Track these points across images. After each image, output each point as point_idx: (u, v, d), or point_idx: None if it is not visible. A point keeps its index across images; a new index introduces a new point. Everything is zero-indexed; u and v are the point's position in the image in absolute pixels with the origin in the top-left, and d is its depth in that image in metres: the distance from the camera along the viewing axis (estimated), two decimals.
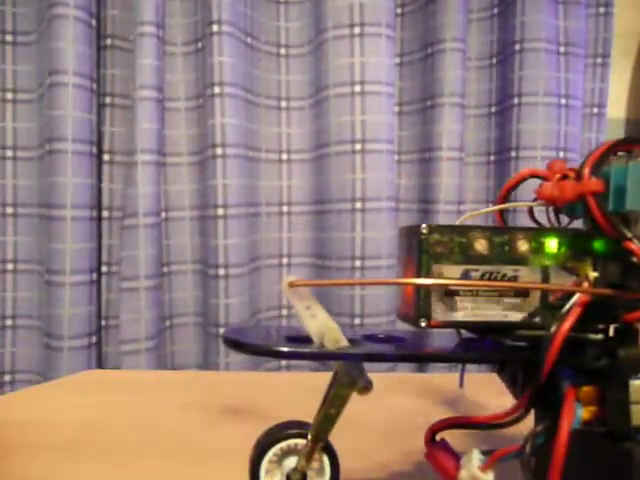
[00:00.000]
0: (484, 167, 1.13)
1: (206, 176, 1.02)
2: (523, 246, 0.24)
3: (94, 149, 1.00)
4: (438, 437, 0.28)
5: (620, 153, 0.26)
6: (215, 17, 0.99)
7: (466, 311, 0.24)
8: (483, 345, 0.25)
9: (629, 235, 0.23)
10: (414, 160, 1.12)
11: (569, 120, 1.09)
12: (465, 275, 0.24)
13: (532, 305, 0.25)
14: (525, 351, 0.24)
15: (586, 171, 0.24)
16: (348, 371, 0.25)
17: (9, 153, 1.02)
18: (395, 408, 0.44)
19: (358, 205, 1.03)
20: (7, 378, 1.04)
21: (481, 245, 0.24)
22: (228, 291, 1.01)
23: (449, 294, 0.24)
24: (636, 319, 0.23)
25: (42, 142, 0.98)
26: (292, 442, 0.25)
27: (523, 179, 0.27)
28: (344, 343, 0.23)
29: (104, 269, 1.05)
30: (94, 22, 0.99)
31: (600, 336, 0.24)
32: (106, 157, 1.04)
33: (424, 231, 0.24)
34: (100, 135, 1.04)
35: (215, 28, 0.99)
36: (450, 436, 0.27)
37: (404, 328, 0.26)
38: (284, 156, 1.11)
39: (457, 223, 0.25)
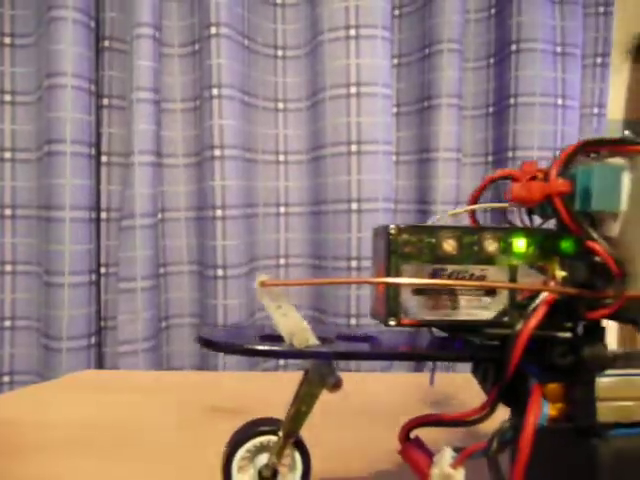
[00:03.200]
0: (481, 168, 1.13)
1: (203, 177, 1.03)
2: (491, 246, 0.25)
3: (92, 150, 1.00)
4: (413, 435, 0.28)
5: (593, 155, 0.26)
6: (213, 19, 0.99)
7: (435, 310, 0.25)
8: (455, 344, 0.26)
9: (594, 235, 0.24)
10: (411, 161, 1.13)
11: (566, 120, 1.09)
12: (434, 274, 0.24)
13: (501, 304, 0.25)
14: (495, 349, 0.25)
15: (553, 172, 0.25)
16: (318, 369, 0.25)
17: (8, 155, 1.03)
18: (383, 406, 0.45)
19: (354, 206, 1.03)
20: (6, 379, 1.05)
21: (449, 245, 0.24)
22: (226, 292, 1.02)
23: (418, 293, 0.25)
24: (598, 318, 0.23)
25: (41, 144, 0.99)
26: (264, 439, 0.25)
27: (494, 180, 0.28)
28: (314, 342, 0.24)
29: (103, 270, 1.06)
30: (93, 24, 1.00)
31: (568, 334, 0.24)
32: (104, 158, 1.05)
33: (392, 231, 0.24)
34: (98, 136, 1.04)
35: (213, 30, 1.00)
36: (440, 433, 0.28)
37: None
38: (281, 157, 1.11)
39: (429, 224, 0.26)
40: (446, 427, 0.26)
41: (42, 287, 1.00)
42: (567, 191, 0.24)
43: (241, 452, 0.25)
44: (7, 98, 1.03)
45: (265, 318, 1.11)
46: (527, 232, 0.25)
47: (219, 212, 1.01)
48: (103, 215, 1.05)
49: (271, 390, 0.49)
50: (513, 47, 1.08)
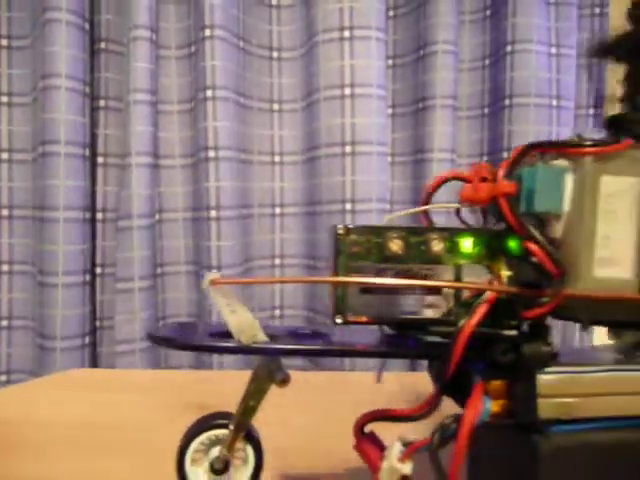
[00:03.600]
0: None
1: (199, 178, 1.04)
2: (437, 246, 0.26)
3: (87, 152, 1.01)
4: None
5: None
6: (207, 21, 1.00)
7: (378, 308, 0.25)
8: (404, 341, 0.27)
9: (536, 236, 0.24)
10: (407, 162, 1.13)
11: (560, 121, 1.10)
12: (380, 273, 0.25)
13: (446, 302, 0.26)
14: (441, 347, 0.26)
15: (500, 174, 0.25)
16: (266, 365, 0.26)
17: (4, 156, 1.04)
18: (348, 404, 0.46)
19: (348, 207, 1.04)
20: (3, 378, 1.06)
21: (396, 245, 0.25)
22: None
23: (365, 292, 0.25)
24: (534, 316, 0.24)
25: (36, 145, 1.00)
26: (217, 432, 0.26)
27: (444, 181, 0.28)
28: (262, 338, 0.25)
29: (98, 270, 1.07)
30: (87, 26, 1.01)
31: (510, 332, 0.25)
32: (100, 159, 1.06)
33: (340, 232, 0.25)
34: (94, 138, 1.05)
35: (207, 32, 1.00)
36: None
37: None
38: (276, 158, 1.12)
39: (377, 224, 0.27)
40: (396, 422, 0.27)
41: (37, 287, 1.01)
42: (512, 192, 0.25)
43: (194, 445, 0.26)
44: (4, 99, 1.04)
45: (262, 319, 1.12)
46: (474, 232, 0.26)
47: (213, 213, 1.02)
48: (99, 216, 1.07)
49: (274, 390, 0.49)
50: (507, 48, 1.08)
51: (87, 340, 1.03)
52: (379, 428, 0.28)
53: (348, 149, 1.04)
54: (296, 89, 1.11)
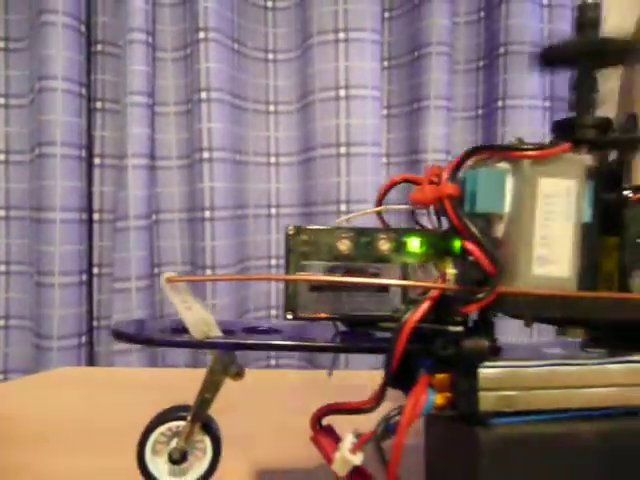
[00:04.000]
0: None
1: (194, 179, 1.05)
2: (384, 245, 0.27)
3: (83, 153, 1.03)
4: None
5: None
6: (201, 24, 1.02)
7: (328, 305, 0.27)
8: (357, 337, 0.28)
9: (476, 235, 0.26)
10: (401, 163, 1.14)
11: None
12: (329, 272, 0.27)
13: (393, 299, 0.27)
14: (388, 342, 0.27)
15: (444, 176, 0.27)
16: (221, 359, 0.27)
17: (1, 157, 1.06)
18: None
19: (343, 207, 1.05)
20: (0, 377, 1.08)
21: (344, 245, 0.26)
22: (216, 292, 1.04)
23: (315, 289, 0.27)
24: (469, 312, 0.25)
25: (33, 146, 1.02)
26: (176, 424, 0.28)
27: (396, 184, 0.30)
28: (216, 333, 0.26)
29: (95, 271, 1.09)
30: (84, 28, 1.03)
31: (452, 327, 0.26)
32: (97, 161, 1.08)
33: (291, 232, 0.26)
34: (92, 139, 1.07)
35: (202, 35, 1.02)
36: None
37: None
38: (272, 159, 1.13)
39: (328, 225, 0.28)
40: (349, 415, 0.28)
41: (34, 287, 1.03)
42: (456, 194, 0.26)
43: (154, 436, 0.27)
44: (1, 101, 1.06)
45: (257, 319, 1.13)
46: (421, 233, 0.27)
47: (208, 213, 1.04)
48: (96, 216, 1.08)
49: (259, 387, 0.50)
50: (501, 50, 1.09)
51: (84, 340, 1.04)
52: (351, 421, 0.29)
53: (343, 150, 1.06)
54: (291, 91, 1.12)
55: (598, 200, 0.28)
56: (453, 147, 1.13)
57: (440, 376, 0.26)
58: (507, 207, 0.26)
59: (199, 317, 0.26)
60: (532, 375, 0.26)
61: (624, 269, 0.28)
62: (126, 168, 1.01)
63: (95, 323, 1.08)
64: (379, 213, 0.30)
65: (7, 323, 1.08)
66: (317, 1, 1.06)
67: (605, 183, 0.29)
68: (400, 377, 0.27)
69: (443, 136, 1.10)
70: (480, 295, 0.25)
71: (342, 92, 1.05)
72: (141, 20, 1.00)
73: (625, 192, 0.29)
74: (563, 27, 1.11)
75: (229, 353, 0.27)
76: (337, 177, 1.06)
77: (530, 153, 0.26)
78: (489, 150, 0.27)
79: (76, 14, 1.01)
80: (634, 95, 0.37)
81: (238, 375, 0.27)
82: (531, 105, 1.09)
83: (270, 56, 1.13)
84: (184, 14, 1.07)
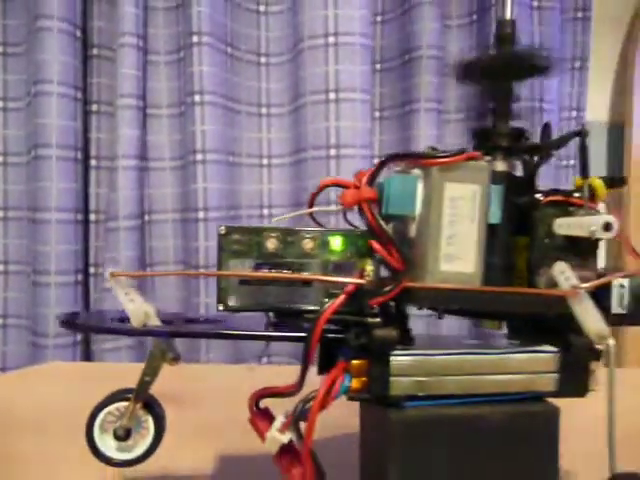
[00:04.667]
0: None
1: (187, 180, 1.09)
2: (309, 244, 0.30)
3: (79, 155, 1.07)
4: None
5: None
6: (195, 28, 1.05)
7: (256, 298, 0.30)
8: (285, 328, 0.31)
9: (388, 235, 0.29)
10: (394, 165, 1.17)
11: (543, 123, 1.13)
12: (257, 268, 0.30)
13: (317, 293, 0.30)
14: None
15: (363, 181, 0.30)
16: (159, 345, 0.30)
17: (0, 159, 1.10)
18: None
19: (334, 208, 1.08)
20: None
21: (272, 243, 0.30)
22: (207, 290, 1.08)
23: (244, 283, 0.30)
24: (377, 304, 0.28)
25: (29, 148, 1.06)
26: (121, 405, 0.31)
27: (326, 187, 0.33)
28: (154, 323, 0.29)
29: (92, 270, 1.12)
30: (79, 33, 1.06)
31: (364, 319, 0.29)
32: (93, 162, 1.12)
33: (222, 232, 0.30)
34: (88, 141, 1.11)
35: (195, 39, 1.05)
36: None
37: None
38: (264, 161, 1.16)
39: (267, 225, 0.31)
40: (279, 397, 0.31)
41: (30, 286, 1.06)
42: (373, 198, 0.29)
43: (102, 416, 0.31)
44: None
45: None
46: (343, 233, 0.30)
47: (201, 214, 1.07)
48: (92, 217, 1.12)
49: (249, 382, 0.53)
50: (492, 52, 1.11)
51: (79, 338, 1.08)
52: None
53: (333, 152, 1.09)
54: (283, 93, 1.16)
55: (510, 203, 0.31)
56: (445, 149, 1.15)
57: (356, 362, 0.29)
58: (418, 210, 0.29)
59: (140, 308, 0.29)
60: (441, 362, 0.29)
61: (532, 267, 0.31)
62: (117, 169, 1.04)
63: None
64: (311, 214, 0.33)
65: (4, 322, 1.12)
66: (308, 6, 1.09)
67: (517, 187, 0.32)
68: (327, 365, 0.30)
69: (434, 138, 1.12)
70: (387, 289, 0.28)
71: (332, 95, 1.08)
72: (132, 24, 1.04)
73: (536, 195, 0.32)
74: (552, 29, 1.14)
75: (167, 341, 0.31)
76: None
77: (437, 160, 0.29)
78: (404, 157, 0.30)
79: (72, 19, 1.04)
80: None
81: (174, 360, 0.30)
82: (521, 106, 1.11)
83: (263, 59, 1.16)
84: (177, 18, 1.11)
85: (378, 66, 1.18)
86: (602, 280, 0.29)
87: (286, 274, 0.29)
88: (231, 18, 1.12)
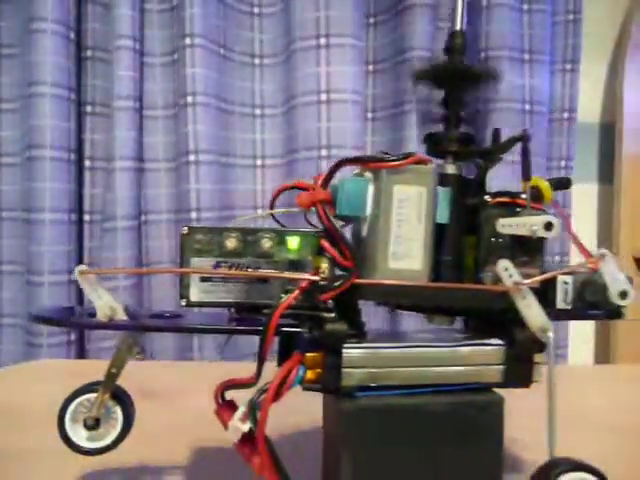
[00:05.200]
0: None
1: (181, 181, 1.11)
2: (267, 244, 0.32)
3: (72, 156, 1.09)
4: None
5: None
6: (187, 30, 1.07)
7: (217, 294, 0.32)
8: (246, 322, 0.33)
9: (339, 235, 0.31)
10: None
11: (534, 125, 1.15)
12: (217, 266, 0.32)
13: (274, 290, 0.32)
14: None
15: (317, 184, 0.32)
16: (126, 340, 0.32)
17: None
18: None
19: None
20: None
21: (232, 243, 0.32)
22: None
23: (205, 280, 0.32)
24: (327, 299, 0.30)
25: (23, 149, 1.08)
26: (91, 396, 0.33)
27: (286, 189, 0.35)
28: (120, 317, 0.31)
29: None
30: (73, 35, 1.09)
31: (317, 313, 0.31)
32: (87, 163, 1.14)
33: (184, 232, 0.32)
34: (82, 142, 1.13)
35: (188, 41, 1.08)
36: None
37: None
38: (258, 161, 1.19)
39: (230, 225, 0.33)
40: (242, 389, 0.33)
41: (24, 286, 1.09)
42: (327, 199, 0.32)
43: (73, 407, 0.33)
44: None
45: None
46: (299, 233, 0.33)
47: (194, 214, 1.09)
48: (86, 217, 1.14)
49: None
50: (481, 55, 1.14)
51: (72, 337, 1.10)
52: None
53: (324, 153, 1.11)
54: (277, 94, 1.18)
55: (459, 204, 0.33)
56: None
57: (311, 355, 0.31)
58: (369, 210, 0.32)
59: (106, 304, 0.31)
60: (392, 355, 0.31)
61: (478, 264, 0.33)
62: (113, 170, 1.06)
63: None
64: (272, 215, 0.35)
65: (0, 321, 1.14)
66: (300, 7, 1.11)
67: (468, 189, 0.34)
68: (287, 357, 0.32)
69: None
70: (336, 284, 0.30)
71: (323, 96, 1.11)
72: (128, 27, 1.06)
73: (485, 197, 0.34)
74: (542, 32, 1.15)
75: (133, 335, 0.33)
76: None
77: (386, 164, 0.31)
78: (355, 161, 0.32)
79: (65, 21, 1.06)
80: None
81: (139, 354, 0.33)
82: (511, 108, 1.13)
83: (256, 61, 1.18)
84: (171, 20, 1.13)
85: (371, 67, 1.21)
86: (542, 276, 0.32)
87: (245, 271, 0.31)
88: (224, 20, 1.14)
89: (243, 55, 1.17)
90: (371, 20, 1.21)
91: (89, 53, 1.14)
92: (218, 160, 1.12)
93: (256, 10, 1.18)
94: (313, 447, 0.37)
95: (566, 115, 1.20)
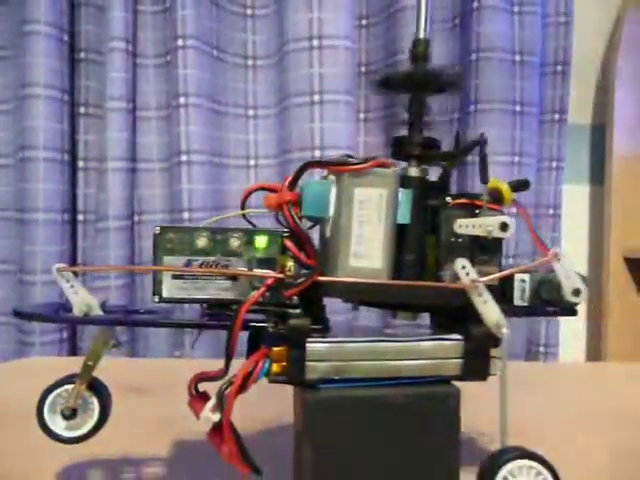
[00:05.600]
0: None
1: (173, 181, 1.13)
2: (235, 243, 0.34)
3: (65, 156, 1.11)
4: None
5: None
6: (180, 32, 1.10)
7: (188, 290, 0.34)
8: (217, 317, 0.35)
9: (304, 234, 0.33)
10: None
11: (524, 126, 1.17)
12: (188, 264, 0.34)
13: (242, 287, 0.34)
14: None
15: (284, 186, 0.34)
16: (102, 333, 0.34)
17: None
18: None
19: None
20: None
21: (202, 242, 0.34)
22: None
23: (176, 278, 0.34)
24: (291, 295, 0.32)
25: (17, 150, 1.10)
26: (69, 387, 0.35)
27: (254, 191, 0.37)
28: (95, 313, 0.33)
29: None
30: (66, 37, 1.11)
31: (295, 310, 0.33)
32: (81, 164, 1.16)
33: (157, 231, 0.34)
34: (75, 143, 1.15)
35: (180, 42, 1.10)
36: None
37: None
38: (251, 162, 1.21)
39: (201, 225, 0.35)
40: (212, 381, 0.35)
41: (17, 285, 1.11)
42: (293, 200, 0.33)
43: (51, 398, 0.35)
44: None
45: None
46: (267, 232, 0.34)
47: (186, 214, 1.11)
48: (80, 217, 1.16)
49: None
50: (472, 56, 1.16)
51: (65, 335, 1.12)
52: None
53: (317, 153, 1.13)
54: (269, 95, 1.20)
55: (421, 205, 0.35)
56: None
57: (277, 349, 0.33)
58: (332, 212, 0.33)
59: (82, 300, 0.33)
60: (354, 349, 0.33)
61: (439, 263, 0.35)
62: (106, 171, 1.09)
63: None
64: (244, 215, 0.37)
65: None
66: (293, 9, 1.13)
67: (429, 191, 0.36)
68: (255, 352, 0.34)
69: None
70: (298, 282, 0.32)
71: (316, 97, 1.13)
72: (121, 29, 1.08)
73: (446, 198, 0.35)
74: (533, 33, 1.17)
75: (109, 329, 0.35)
76: None
77: (348, 167, 0.33)
78: (319, 164, 0.34)
79: (59, 23, 1.09)
80: None
81: (115, 346, 0.35)
82: (501, 109, 1.15)
83: (249, 62, 1.20)
84: (164, 22, 1.15)
85: (363, 68, 1.23)
86: (497, 275, 0.33)
87: (214, 269, 0.33)
88: (217, 21, 1.16)
89: (236, 56, 1.19)
90: (363, 22, 1.23)
91: (82, 55, 1.16)
92: (211, 160, 1.14)
93: (249, 12, 1.20)
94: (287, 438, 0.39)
95: (557, 117, 1.22)
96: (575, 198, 1.31)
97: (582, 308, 1.19)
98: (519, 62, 1.17)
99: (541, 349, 1.24)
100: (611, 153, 1.26)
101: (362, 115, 1.23)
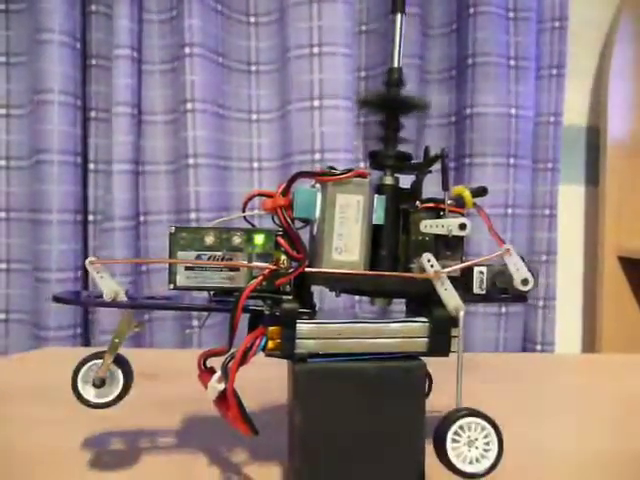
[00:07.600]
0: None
1: (180, 183, 1.21)
2: (237, 240, 0.42)
3: (78, 159, 1.20)
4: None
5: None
6: (187, 40, 1.18)
7: (198, 280, 0.42)
8: (223, 302, 0.43)
9: (294, 233, 0.40)
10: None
11: (519, 129, 1.25)
12: (198, 257, 0.42)
13: (243, 277, 0.42)
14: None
15: (278, 191, 0.42)
16: (128, 317, 0.42)
17: (3, 163, 1.23)
18: None
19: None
20: None
21: (209, 239, 0.41)
22: None
23: (188, 269, 0.42)
24: (281, 283, 0.40)
25: (31, 153, 1.19)
26: (99, 361, 0.42)
27: (253, 197, 0.45)
28: (121, 298, 0.41)
29: None
30: (78, 45, 1.19)
31: (287, 296, 0.41)
32: (92, 166, 1.24)
33: (172, 230, 0.42)
34: (87, 146, 1.24)
35: (187, 50, 1.18)
36: None
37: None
38: (255, 165, 1.29)
39: (209, 225, 0.43)
40: (217, 357, 0.43)
41: (32, 283, 1.19)
42: (285, 204, 0.41)
43: (84, 370, 0.42)
44: (2, 112, 1.23)
45: None
46: (264, 231, 0.42)
47: (193, 215, 1.19)
48: (90, 218, 1.25)
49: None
50: (469, 61, 1.23)
51: (78, 331, 1.21)
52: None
53: (317, 156, 1.21)
54: (272, 100, 1.28)
55: (393, 208, 0.43)
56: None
57: (272, 328, 0.41)
58: (318, 214, 0.41)
59: (111, 287, 0.41)
60: (336, 329, 0.41)
61: (408, 257, 0.43)
62: (112, 173, 1.17)
63: (90, 316, 1.24)
64: (244, 217, 0.45)
65: (7, 317, 1.24)
66: (294, 17, 1.21)
67: (402, 196, 0.43)
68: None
69: (414, 143, 1.24)
70: (289, 272, 0.40)
71: (316, 102, 1.20)
72: (126, 37, 1.16)
73: (416, 203, 0.43)
74: (528, 39, 1.25)
75: (131, 312, 0.42)
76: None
77: (331, 177, 0.41)
78: (307, 174, 0.42)
79: (71, 32, 1.17)
80: None
81: (137, 327, 0.43)
82: (497, 113, 1.23)
83: (253, 68, 1.28)
84: (171, 30, 1.23)
85: (363, 74, 1.30)
86: (458, 266, 0.41)
87: (220, 262, 0.41)
88: (222, 29, 1.24)
89: (240, 63, 1.27)
90: (363, 28, 1.31)
91: (93, 61, 1.24)
92: (216, 163, 1.22)
93: (252, 20, 1.28)
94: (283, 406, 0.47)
95: (552, 119, 1.29)
96: (571, 199, 1.38)
97: (577, 306, 1.26)
98: (514, 67, 1.25)
99: (537, 347, 1.31)
100: (605, 154, 1.33)
101: (361, 119, 1.31)
